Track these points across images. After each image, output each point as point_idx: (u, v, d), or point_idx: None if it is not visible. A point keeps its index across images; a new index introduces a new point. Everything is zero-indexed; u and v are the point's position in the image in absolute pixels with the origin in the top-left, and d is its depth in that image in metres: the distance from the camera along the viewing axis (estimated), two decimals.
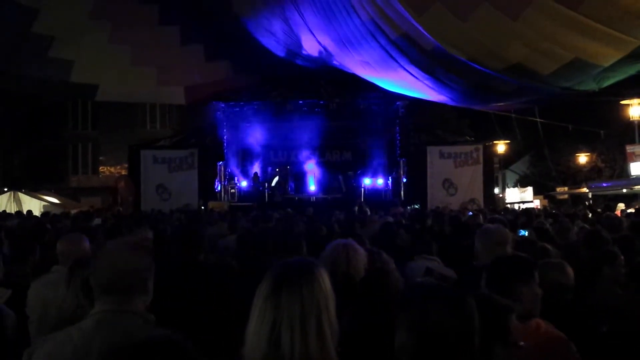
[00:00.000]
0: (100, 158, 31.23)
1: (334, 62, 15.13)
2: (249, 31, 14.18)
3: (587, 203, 21.36)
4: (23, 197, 20.70)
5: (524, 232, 7.28)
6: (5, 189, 21.92)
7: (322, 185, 20.57)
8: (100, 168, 31.19)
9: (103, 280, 2.02)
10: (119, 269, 2.01)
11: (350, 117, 20.65)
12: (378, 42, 10.72)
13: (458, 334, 1.59)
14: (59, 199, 22.51)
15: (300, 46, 14.38)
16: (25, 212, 15.77)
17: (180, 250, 4.04)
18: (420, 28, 9.21)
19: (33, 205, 19.83)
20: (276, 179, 20.30)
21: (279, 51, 15.31)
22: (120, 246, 2.14)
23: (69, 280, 2.76)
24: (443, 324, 1.57)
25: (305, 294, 1.66)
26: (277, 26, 13.49)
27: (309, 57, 15.21)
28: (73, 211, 15.98)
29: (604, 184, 24.89)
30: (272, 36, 14.10)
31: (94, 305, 2.05)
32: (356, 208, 11.95)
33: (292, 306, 1.63)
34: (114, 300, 1.99)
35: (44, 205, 19.92)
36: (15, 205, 19.73)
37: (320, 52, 14.37)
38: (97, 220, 9.59)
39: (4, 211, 16.69)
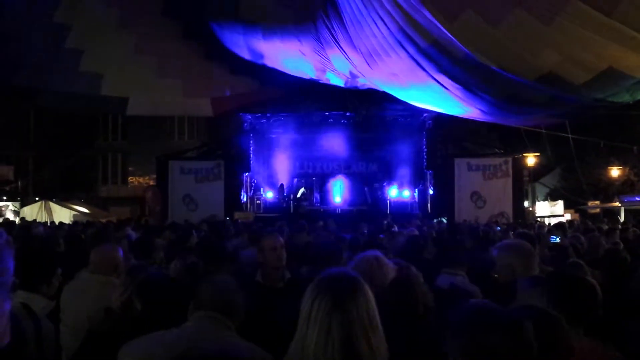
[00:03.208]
0: (129, 168, 31.67)
1: (361, 84, 15.09)
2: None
3: (618, 218, 20.79)
4: (54, 206, 21.15)
5: (556, 239, 7.14)
6: (37, 199, 22.40)
7: (348, 197, 20.45)
8: (129, 178, 31.59)
9: (213, 300, 2.40)
10: (229, 298, 2.43)
11: (377, 128, 20.53)
12: (407, 52, 10.60)
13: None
14: (88, 209, 22.94)
15: (330, 66, 14.39)
16: (57, 222, 16.08)
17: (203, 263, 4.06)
18: (450, 36, 9.08)
19: (63, 214, 20.26)
20: (302, 190, 20.26)
21: (306, 74, 15.37)
22: (232, 282, 2.57)
23: (128, 284, 3.04)
24: (501, 351, 1.51)
25: (364, 303, 1.79)
26: (309, 45, 13.51)
27: (338, 77, 15.21)
28: (103, 220, 16.20)
29: (637, 198, 24.23)
30: (302, 56, 14.14)
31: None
32: (385, 222, 11.78)
33: (360, 316, 1.76)
34: (213, 316, 2.37)
35: (73, 215, 20.29)
36: (46, 215, 20.16)
37: (349, 73, 14.35)
38: (128, 230, 9.58)
39: (35, 220, 17.02)
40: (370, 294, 1.84)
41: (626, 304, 3.54)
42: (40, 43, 13.28)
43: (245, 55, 14.45)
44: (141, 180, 30.65)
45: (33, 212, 20.69)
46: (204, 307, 2.38)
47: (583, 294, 2.60)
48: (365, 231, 9.51)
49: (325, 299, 1.76)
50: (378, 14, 10.39)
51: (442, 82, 11.30)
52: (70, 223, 15.33)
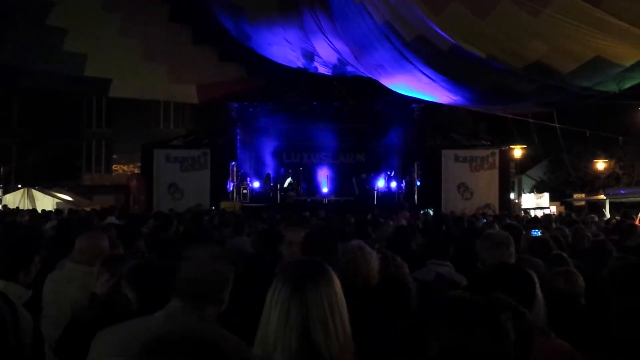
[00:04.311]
0: (114, 156, 31.35)
1: (350, 69, 15.03)
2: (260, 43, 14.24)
3: (603, 210, 21.00)
4: (37, 194, 20.89)
5: (537, 232, 7.12)
6: (19, 186, 22.10)
7: (335, 187, 20.44)
8: (114, 166, 31.29)
9: (181, 285, 2.11)
10: (198, 277, 2.11)
11: (365, 119, 20.52)
12: (392, 44, 10.56)
13: (494, 354, 1.49)
14: (71, 197, 22.66)
15: (316, 53, 14.28)
16: (39, 210, 15.85)
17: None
18: (436, 28, 9.03)
19: (46, 202, 20.00)
20: (288, 180, 20.21)
21: (293, 62, 15.24)
22: (204, 255, 2.20)
23: (109, 274, 2.92)
24: (479, 345, 1.49)
25: (326, 290, 1.77)
26: (293, 34, 13.37)
27: (325, 65, 15.11)
28: (87, 209, 16.00)
29: (622, 191, 24.49)
30: (287, 44, 14.00)
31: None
32: (369, 216, 11.77)
33: (320, 302, 1.74)
34: (186, 305, 2.09)
35: (57, 203, 20.02)
36: (28, 202, 19.88)
37: (337, 60, 14.27)
38: (111, 219, 9.49)
39: (17, 207, 16.80)
40: (335, 283, 1.82)
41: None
42: (20, 19, 13.00)
43: (232, 30, 14.24)
44: (126, 168, 30.34)
45: (15, 199, 20.42)
46: (175, 293, 2.12)
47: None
48: (353, 220, 9.51)
49: (286, 283, 1.78)
50: (363, 5, 10.34)
51: (427, 74, 11.29)
52: (54, 211, 15.12)
